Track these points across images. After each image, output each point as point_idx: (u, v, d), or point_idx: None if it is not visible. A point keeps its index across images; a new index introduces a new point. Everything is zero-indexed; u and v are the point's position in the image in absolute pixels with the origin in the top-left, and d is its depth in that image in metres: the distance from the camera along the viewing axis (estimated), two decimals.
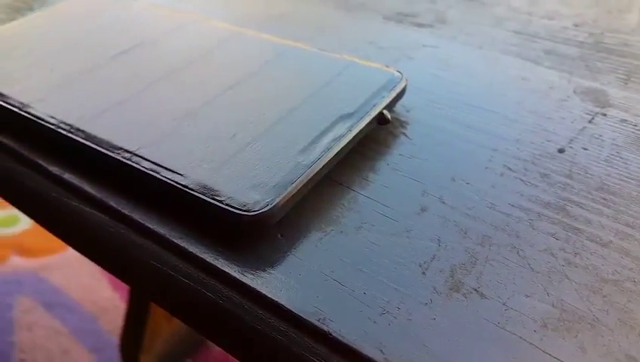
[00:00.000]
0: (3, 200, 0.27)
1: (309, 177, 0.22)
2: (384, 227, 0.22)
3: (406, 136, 0.27)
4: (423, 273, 0.20)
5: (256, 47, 0.30)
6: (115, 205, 0.23)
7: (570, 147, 0.27)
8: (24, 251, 0.90)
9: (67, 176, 0.24)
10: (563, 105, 0.29)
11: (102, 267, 0.23)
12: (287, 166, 0.22)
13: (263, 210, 0.20)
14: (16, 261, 0.89)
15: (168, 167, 0.22)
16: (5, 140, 0.26)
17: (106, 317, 0.82)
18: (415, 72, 0.32)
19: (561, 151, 0.26)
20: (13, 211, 0.96)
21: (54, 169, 0.25)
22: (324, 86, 0.27)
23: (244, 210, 0.20)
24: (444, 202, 0.23)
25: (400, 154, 0.26)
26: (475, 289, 0.20)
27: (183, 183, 0.21)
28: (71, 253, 0.89)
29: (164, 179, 0.22)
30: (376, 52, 0.34)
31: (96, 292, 0.85)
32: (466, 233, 0.22)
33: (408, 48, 0.34)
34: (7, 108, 0.26)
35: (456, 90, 0.30)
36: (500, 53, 0.34)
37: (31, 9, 0.39)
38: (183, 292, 0.21)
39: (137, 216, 0.22)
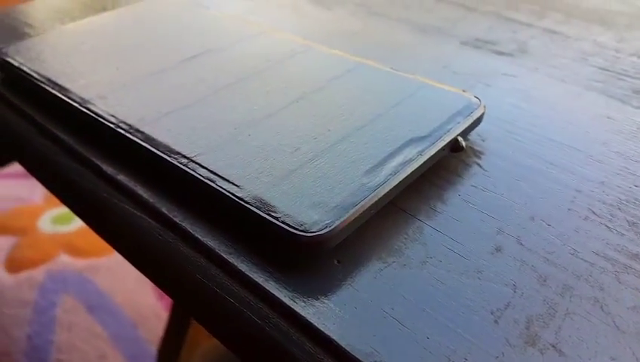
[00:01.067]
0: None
1: (373, 201, 0.20)
2: (453, 264, 0.20)
3: (480, 166, 0.25)
4: (496, 321, 0.18)
5: (325, 62, 0.29)
6: (166, 211, 0.22)
7: None
8: (74, 250, 0.91)
9: (121, 177, 0.23)
10: None
11: (144, 274, 0.22)
12: (350, 187, 0.20)
13: (321, 232, 0.19)
14: (65, 259, 0.90)
15: (225, 176, 0.21)
16: (62, 135, 0.26)
17: (146, 326, 0.82)
18: (492, 100, 0.30)
19: None
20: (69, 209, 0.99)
21: (108, 169, 0.24)
22: (394, 106, 0.25)
23: (301, 230, 0.19)
24: (521, 243, 0.21)
25: (473, 186, 0.24)
26: (553, 346, 0.17)
27: (239, 195, 0.20)
28: (119, 256, 0.90)
29: (219, 188, 0.20)
30: (450, 76, 0.32)
31: (140, 299, 0.85)
32: (545, 280, 0.19)
33: (486, 75, 0.32)
34: (68, 102, 0.26)
35: (536, 122, 0.28)
36: (584, 89, 0.31)
37: (104, 9, 0.40)
38: (226, 312, 0.19)
39: (187, 225, 0.21)
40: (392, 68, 0.29)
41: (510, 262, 0.20)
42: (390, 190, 0.21)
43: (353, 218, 0.19)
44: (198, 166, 0.21)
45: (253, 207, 0.20)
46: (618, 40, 0.37)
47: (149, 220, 0.22)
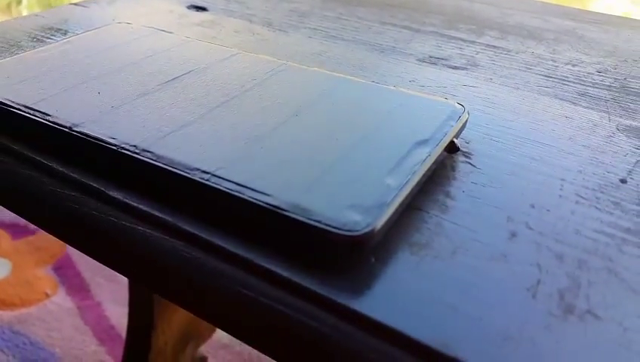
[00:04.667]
0: None
1: (402, 200, 0.21)
2: (479, 252, 0.21)
3: (474, 166, 0.27)
4: (533, 297, 0.19)
5: (309, 78, 0.30)
6: (190, 229, 0.21)
7: (631, 178, 0.27)
8: (0, 303, 0.83)
9: (131, 200, 0.22)
10: (611, 141, 0.30)
11: (177, 300, 0.21)
12: (378, 188, 0.21)
13: (364, 231, 0.19)
14: None
15: (253, 187, 0.21)
16: (51, 163, 0.24)
17: None
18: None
19: (623, 181, 0.26)
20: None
21: (115, 193, 0.23)
22: (388, 115, 0.27)
23: (346, 230, 0.19)
24: (531, 228, 0.23)
25: (473, 183, 0.25)
26: (588, 311, 0.19)
27: (274, 203, 0.20)
28: (50, 304, 0.83)
29: (249, 199, 0.20)
30: (418, 89, 0.34)
31: (80, 346, 0.78)
32: (561, 258, 0.21)
33: (449, 87, 0.34)
34: (56, 128, 0.24)
35: (506, 125, 0.30)
36: (537, 94, 0.34)
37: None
38: (278, 322, 0.19)
39: (217, 240, 0.21)
40: (373, 81, 0.30)
41: (527, 244, 0.22)
42: (412, 189, 0.22)
43: (388, 217, 0.20)
44: (221, 180, 0.21)
45: (291, 213, 0.20)
46: (551, 52, 0.41)
47: (172, 240, 0.21)
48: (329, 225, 0.19)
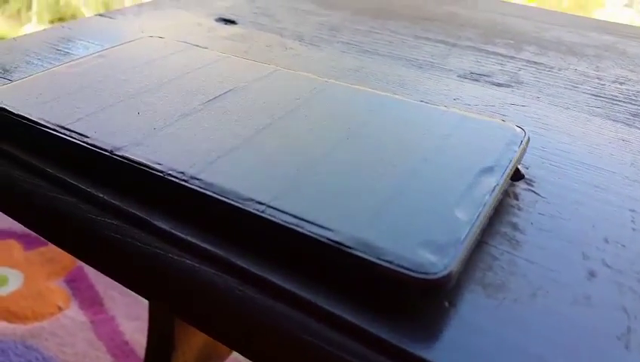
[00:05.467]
0: None
1: (475, 236, 0.19)
2: (560, 294, 0.19)
3: (537, 194, 0.25)
4: (626, 347, 0.18)
5: (354, 97, 0.28)
6: (243, 264, 0.19)
7: None
8: (11, 316, 0.81)
9: (179, 231, 0.21)
10: None
11: (226, 343, 0.19)
12: (448, 223, 0.20)
13: (442, 274, 0.17)
14: (3, 327, 0.80)
15: (312, 220, 0.19)
16: (92, 189, 0.23)
17: None
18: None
19: None
20: (1, 271, 0.88)
21: (161, 223, 0.21)
22: (446, 138, 0.25)
23: (421, 273, 0.17)
24: (608, 266, 0.21)
25: (540, 213, 0.24)
26: None
27: (336, 239, 0.18)
28: (64, 317, 0.81)
29: (310, 234, 0.19)
30: (465, 108, 0.32)
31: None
32: None
33: (497, 106, 0.33)
34: (96, 151, 0.23)
35: (563, 148, 0.29)
36: (589, 115, 0.33)
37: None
38: None
39: (271, 276, 0.19)
40: (422, 100, 0.28)
41: (608, 285, 0.20)
42: (482, 223, 0.20)
43: (463, 256, 0.18)
44: (277, 211, 0.20)
45: (358, 251, 0.18)
46: (595, 69, 0.39)
47: (223, 275, 0.20)
48: (402, 266, 0.17)
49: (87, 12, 1.94)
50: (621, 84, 0.37)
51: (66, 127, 0.24)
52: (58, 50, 0.37)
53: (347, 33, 0.44)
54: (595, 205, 0.24)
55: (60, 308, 0.81)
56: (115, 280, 0.22)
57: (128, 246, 0.21)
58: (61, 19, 1.94)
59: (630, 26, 0.50)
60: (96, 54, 0.31)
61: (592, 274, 0.20)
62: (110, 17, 0.42)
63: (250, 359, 0.20)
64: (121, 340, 0.76)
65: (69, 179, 0.23)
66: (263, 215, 0.19)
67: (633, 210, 0.24)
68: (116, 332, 0.77)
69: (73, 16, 1.96)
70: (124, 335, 0.77)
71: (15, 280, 0.86)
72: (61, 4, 1.98)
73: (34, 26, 1.86)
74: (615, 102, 0.35)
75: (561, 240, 0.22)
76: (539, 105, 0.33)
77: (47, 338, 0.76)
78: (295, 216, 0.19)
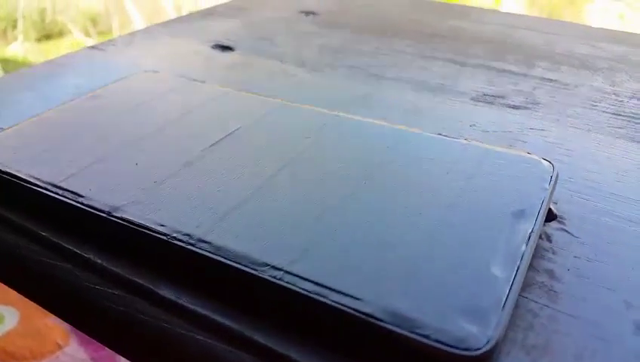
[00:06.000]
0: None
1: (515, 296, 0.18)
2: (607, 352, 0.18)
3: (570, 234, 0.23)
4: None
5: (366, 133, 0.26)
6: (261, 339, 0.18)
7: None
8: (9, 357, 0.78)
9: (186, 301, 0.19)
10: None
11: None
12: (486, 283, 0.18)
13: (485, 348, 0.16)
14: None
15: (337, 288, 0.17)
16: (90, 255, 0.21)
17: None
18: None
19: None
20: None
21: (166, 292, 0.19)
22: (471, 179, 0.23)
23: (463, 349, 0.15)
24: None
25: (576, 257, 0.22)
26: None
27: (365, 311, 0.17)
28: (64, 355, 0.78)
29: (335, 305, 0.17)
30: (482, 136, 0.30)
31: None
32: None
33: (516, 132, 0.31)
34: (91, 212, 0.21)
35: (590, 178, 0.27)
36: (612, 137, 0.31)
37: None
38: None
39: (297, 354, 0.17)
40: (440, 134, 0.27)
41: None
42: (521, 279, 0.18)
43: (506, 322, 0.17)
44: (297, 278, 0.18)
45: (390, 325, 0.16)
46: (611, 84, 0.38)
47: (238, 352, 0.18)
48: (441, 342, 0.16)
49: (75, 29, 1.92)
50: (639, 99, 0.36)
51: (59, 185, 0.22)
52: (45, 93, 0.35)
53: (351, 55, 0.42)
54: (632, 243, 0.23)
55: (59, 346, 0.79)
56: (121, 355, 0.20)
57: (131, 319, 0.19)
58: (48, 37, 1.92)
59: (638, 35, 0.49)
60: (88, 96, 0.30)
61: (638, 327, 0.19)
62: (101, 49, 0.41)
63: None
64: None
65: (64, 244, 0.21)
66: (280, 283, 0.18)
67: None
68: None
69: (60, 34, 1.94)
70: None
71: (11, 318, 0.84)
72: (47, 22, 1.96)
73: (20, 44, 1.84)
74: (636, 120, 0.33)
75: (600, 288, 0.20)
76: (559, 129, 0.32)
77: None
78: (317, 284, 0.17)
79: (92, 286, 0.20)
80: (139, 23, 1.91)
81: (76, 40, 1.89)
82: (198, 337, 0.18)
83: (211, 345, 0.18)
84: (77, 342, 0.78)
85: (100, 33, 1.93)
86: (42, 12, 1.95)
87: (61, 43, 1.88)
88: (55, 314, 0.22)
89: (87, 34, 1.92)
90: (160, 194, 0.22)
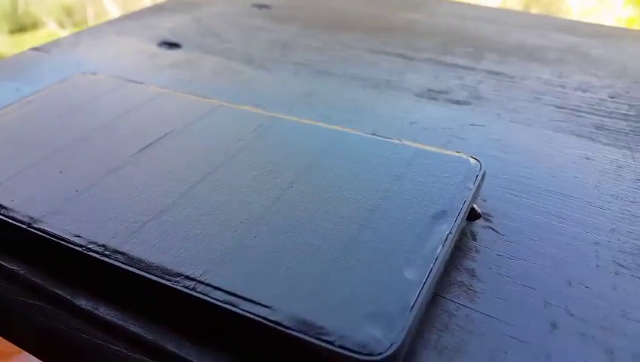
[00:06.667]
0: None
1: (426, 298, 0.18)
2: (519, 353, 0.18)
3: (496, 231, 0.23)
4: None
5: (302, 135, 0.26)
6: (176, 350, 0.18)
7: None
8: None
9: (103, 311, 0.19)
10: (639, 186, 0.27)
11: None
12: (397, 286, 0.18)
13: (388, 352, 0.16)
14: None
15: (248, 296, 0.17)
16: (14, 266, 0.21)
17: None
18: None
19: None
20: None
21: (84, 302, 0.19)
22: (398, 179, 0.23)
23: (365, 354, 0.16)
24: (571, 314, 0.19)
25: (499, 255, 0.22)
26: None
27: (274, 319, 0.17)
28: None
29: (245, 314, 0.17)
30: (422, 133, 0.30)
31: None
32: (612, 352, 0.18)
33: (455, 129, 0.31)
34: (12, 224, 0.21)
35: (522, 173, 0.27)
36: (552, 131, 0.31)
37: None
38: None
39: None
40: (374, 134, 0.27)
41: (571, 338, 0.19)
42: (435, 281, 0.19)
43: (413, 324, 0.17)
44: (209, 288, 0.18)
45: (297, 332, 0.16)
46: (558, 75, 0.38)
47: None
48: (344, 348, 0.16)
49: (49, 20, 1.88)
50: (584, 91, 0.36)
51: None
52: None
53: (299, 51, 0.42)
54: (557, 239, 0.23)
55: None
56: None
57: (52, 329, 0.19)
58: (21, 30, 1.88)
59: (593, 24, 0.49)
60: (22, 101, 0.29)
61: (553, 326, 0.19)
62: (45, 52, 0.40)
63: None
64: None
65: None
66: (192, 293, 0.18)
67: (597, 243, 0.23)
68: None
69: (34, 26, 1.90)
70: None
71: None
72: (20, 13, 1.91)
73: None
74: (579, 113, 0.33)
75: (520, 286, 0.21)
76: (500, 124, 0.32)
77: None
78: (229, 293, 0.18)
79: (15, 297, 0.20)
80: (114, 13, 1.87)
81: (51, 31, 1.85)
82: (114, 347, 0.18)
83: (126, 356, 0.18)
84: None
85: (76, 24, 1.89)
86: (14, 2, 1.90)
87: (36, 35, 1.84)
88: None
89: (62, 25, 1.88)
90: (80, 203, 0.21)
